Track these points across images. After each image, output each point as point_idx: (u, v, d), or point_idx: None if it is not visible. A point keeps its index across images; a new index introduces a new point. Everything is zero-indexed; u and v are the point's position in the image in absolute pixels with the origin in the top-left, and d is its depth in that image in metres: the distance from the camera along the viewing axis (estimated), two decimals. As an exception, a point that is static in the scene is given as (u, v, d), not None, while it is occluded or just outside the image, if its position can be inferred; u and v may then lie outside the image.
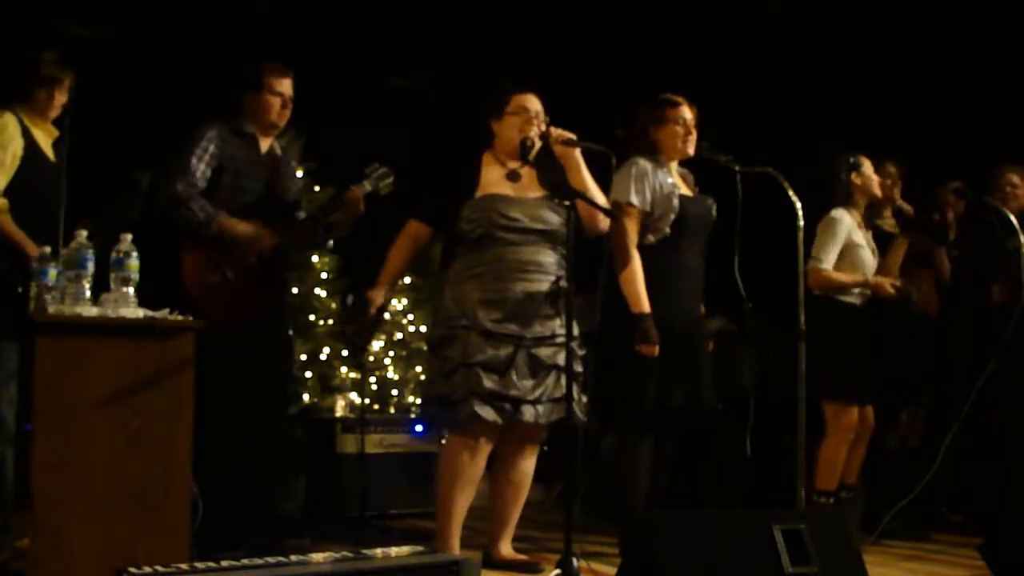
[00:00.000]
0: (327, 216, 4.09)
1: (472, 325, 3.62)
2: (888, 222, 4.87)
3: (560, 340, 3.67)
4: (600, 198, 3.77)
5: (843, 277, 4.45)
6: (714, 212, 4.08)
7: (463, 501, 3.70)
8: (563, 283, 3.64)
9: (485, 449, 3.69)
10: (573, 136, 3.73)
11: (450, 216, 3.73)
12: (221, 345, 3.88)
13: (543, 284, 3.71)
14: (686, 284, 4.00)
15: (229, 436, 3.90)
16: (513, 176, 3.80)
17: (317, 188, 5.24)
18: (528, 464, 3.86)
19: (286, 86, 4.06)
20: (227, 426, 3.89)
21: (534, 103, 3.80)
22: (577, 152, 3.74)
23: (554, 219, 3.75)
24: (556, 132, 3.73)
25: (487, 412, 3.57)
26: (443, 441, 3.94)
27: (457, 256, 3.74)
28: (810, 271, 4.37)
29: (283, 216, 4.08)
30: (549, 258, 3.74)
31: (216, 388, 3.95)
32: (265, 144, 4.11)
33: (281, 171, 4.15)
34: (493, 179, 3.77)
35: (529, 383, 3.63)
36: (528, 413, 3.63)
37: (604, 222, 3.78)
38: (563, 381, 3.60)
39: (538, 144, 3.77)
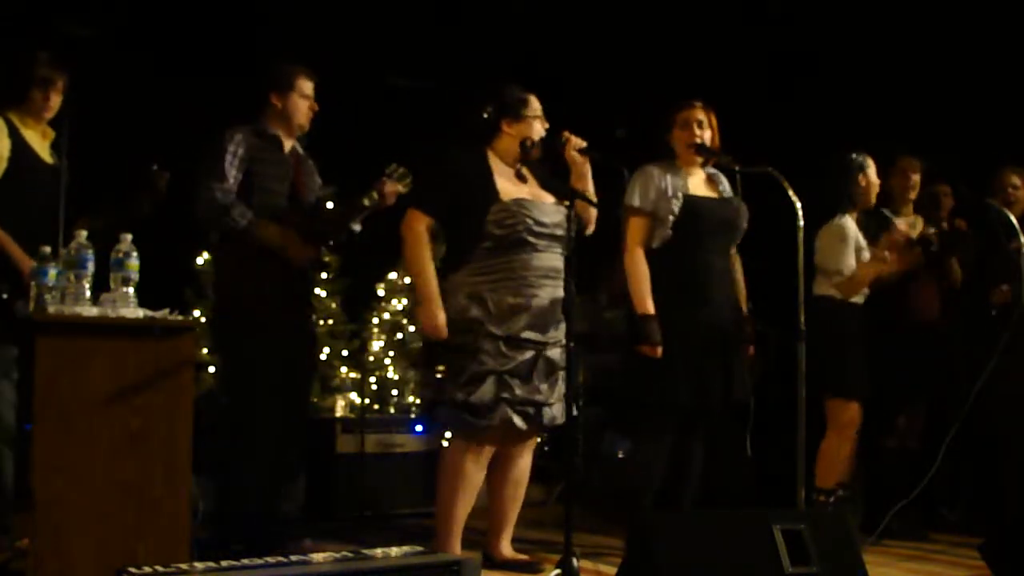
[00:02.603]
0: (359, 205, 4.05)
1: (499, 332, 3.59)
2: (907, 219, 4.85)
3: (563, 343, 3.69)
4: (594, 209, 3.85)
5: (863, 275, 4.49)
6: (743, 214, 4.06)
7: (465, 506, 3.70)
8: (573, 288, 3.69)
9: (489, 453, 3.71)
10: (585, 144, 3.76)
11: (473, 217, 3.65)
12: (250, 340, 3.90)
13: (560, 290, 3.71)
14: (706, 285, 3.97)
15: (255, 433, 3.91)
16: (521, 176, 3.81)
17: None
18: (527, 461, 3.87)
19: (311, 89, 4.09)
20: (254, 423, 3.91)
21: (538, 104, 3.83)
22: (586, 161, 3.76)
23: (566, 223, 3.77)
24: (574, 140, 3.75)
25: (518, 419, 3.60)
26: (444, 444, 3.91)
27: (475, 258, 3.65)
28: (840, 285, 4.47)
29: (309, 213, 4.08)
30: (562, 263, 3.74)
31: (244, 384, 3.97)
32: (288, 145, 4.12)
33: (303, 170, 4.15)
34: (510, 181, 3.75)
35: (545, 386, 3.67)
36: (547, 416, 3.68)
37: (591, 227, 3.88)
38: (563, 381, 3.69)
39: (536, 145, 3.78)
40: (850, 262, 4.48)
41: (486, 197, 3.66)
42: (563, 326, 3.69)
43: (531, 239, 3.66)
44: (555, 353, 3.71)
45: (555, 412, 3.71)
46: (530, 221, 3.64)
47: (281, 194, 4.02)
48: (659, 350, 3.83)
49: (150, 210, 3.83)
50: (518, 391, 3.59)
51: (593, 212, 3.86)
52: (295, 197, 4.07)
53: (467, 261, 3.66)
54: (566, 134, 3.77)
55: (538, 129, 3.79)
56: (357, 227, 4.19)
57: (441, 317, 3.61)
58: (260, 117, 4.07)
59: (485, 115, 3.81)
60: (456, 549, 3.69)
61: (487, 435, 3.64)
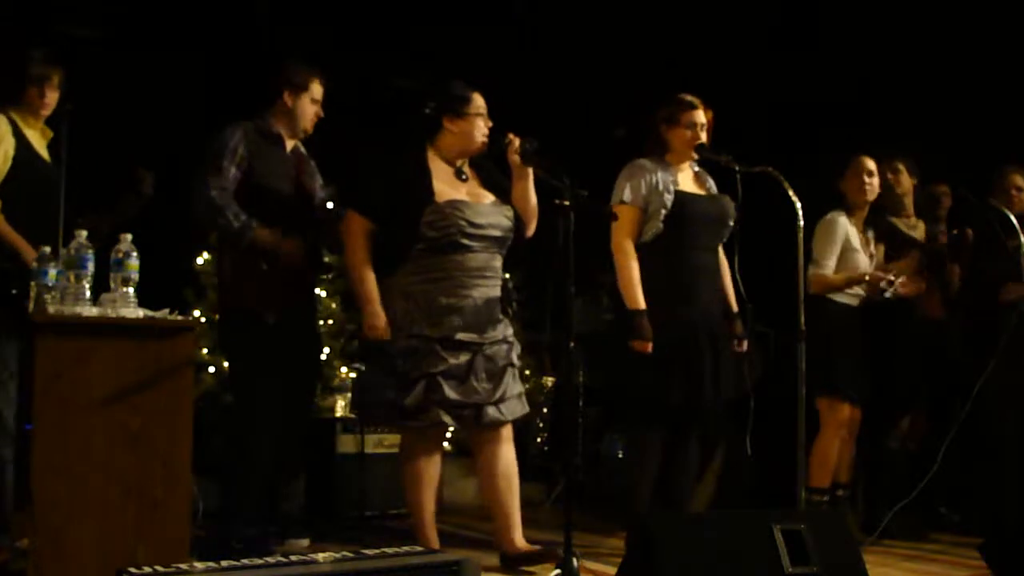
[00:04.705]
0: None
1: (432, 333, 3.60)
2: (907, 221, 4.85)
3: (510, 340, 3.76)
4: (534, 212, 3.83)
5: (839, 278, 4.48)
6: (731, 211, 4.06)
7: (429, 496, 3.75)
8: (511, 286, 3.75)
9: (439, 446, 3.78)
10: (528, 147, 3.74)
11: (408, 219, 3.64)
12: (254, 340, 3.90)
13: (497, 289, 3.74)
14: (695, 282, 3.98)
15: (257, 433, 3.91)
16: (460, 174, 3.80)
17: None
18: (509, 451, 3.83)
19: (321, 95, 4.08)
20: (261, 419, 3.90)
21: (482, 102, 3.81)
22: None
23: (505, 224, 3.78)
24: (517, 142, 3.71)
25: (449, 420, 3.62)
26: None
27: (410, 260, 3.66)
28: (811, 276, 4.44)
29: (311, 213, 4.07)
30: (499, 263, 3.77)
31: (247, 384, 3.96)
32: (290, 144, 4.10)
33: (305, 170, 4.13)
34: (446, 181, 3.74)
35: (488, 385, 3.67)
36: (489, 415, 3.67)
37: (532, 228, 3.85)
38: (517, 377, 3.76)
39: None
40: (830, 258, 4.46)
41: (421, 199, 3.64)
42: (503, 325, 3.74)
43: (464, 241, 3.65)
44: (496, 351, 3.70)
45: (501, 411, 3.69)
46: (463, 223, 3.64)
47: (282, 192, 4.00)
48: (649, 346, 3.84)
49: (136, 212, 3.83)
50: (451, 393, 3.59)
51: (533, 214, 3.82)
52: (297, 196, 4.05)
53: (402, 263, 3.67)
54: (510, 135, 3.74)
55: (480, 127, 3.76)
56: None
57: (382, 318, 3.64)
58: (265, 113, 4.05)
59: (427, 111, 3.79)
60: (434, 539, 3.72)
61: (427, 432, 3.68)
